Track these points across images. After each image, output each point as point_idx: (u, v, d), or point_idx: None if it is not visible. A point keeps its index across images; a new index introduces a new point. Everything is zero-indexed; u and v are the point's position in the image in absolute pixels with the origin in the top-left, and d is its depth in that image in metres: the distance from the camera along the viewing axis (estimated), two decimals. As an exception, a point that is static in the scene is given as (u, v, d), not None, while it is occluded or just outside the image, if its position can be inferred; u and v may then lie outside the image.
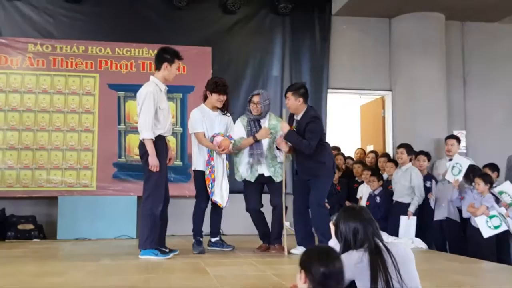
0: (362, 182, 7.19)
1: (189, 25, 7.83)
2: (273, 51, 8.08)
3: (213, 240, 5.50)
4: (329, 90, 8.22)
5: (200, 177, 5.35)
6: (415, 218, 6.27)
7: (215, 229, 5.53)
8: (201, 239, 5.27)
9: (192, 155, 5.58)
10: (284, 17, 8.12)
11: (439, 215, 6.44)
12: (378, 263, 2.46)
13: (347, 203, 7.43)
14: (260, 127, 5.46)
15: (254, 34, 8.08)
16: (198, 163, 5.39)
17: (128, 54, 7.52)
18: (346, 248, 2.55)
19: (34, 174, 7.12)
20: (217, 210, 5.48)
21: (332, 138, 8.26)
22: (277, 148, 5.42)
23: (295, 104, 5.23)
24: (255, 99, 5.43)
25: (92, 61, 7.43)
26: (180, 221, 6.15)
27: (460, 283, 3.68)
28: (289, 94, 5.27)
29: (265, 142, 5.44)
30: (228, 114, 5.58)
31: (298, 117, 5.30)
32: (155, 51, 7.33)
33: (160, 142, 4.82)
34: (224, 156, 5.40)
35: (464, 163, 6.16)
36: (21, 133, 7.16)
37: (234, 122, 5.60)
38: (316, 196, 5.22)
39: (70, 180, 7.19)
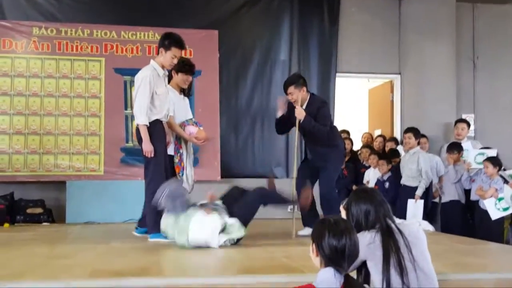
0: (369, 166, 7.17)
1: (195, 8, 7.75)
2: (281, 35, 7.99)
3: None
4: (337, 74, 8.15)
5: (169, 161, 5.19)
6: (422, 201, 6.27)
7: None
8: None
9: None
10: (292, 0, 8.02)
11: (444, 197, 6.46)
12: (390, 243, 2.46)
13: (354, 188, 7.42)
14: None
15: (261, 17, 7.99)
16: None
17: (133, 38, 7.45)
18: (357, 229, 2.52)
19: (41, 159, 7.11)
20: None
21: (340, 122, 8.22)
22: None
23: (301, 95, 5.17)
24: None
25: (98, 45, 7.36)
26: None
27: (469, 264, 3.65)
28: (292, 88, 5.18)
29: None
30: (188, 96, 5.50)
31: (303, 106, 5.23)
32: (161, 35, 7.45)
33: (156, 127, 4.77)
34: (190, 143, 5.31)
35: (490, 153, 6.15)
36: (28, 118, 7.13)
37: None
38: (328, 180, 5.22)
39: (78, 165, 7.17)
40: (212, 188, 4.71)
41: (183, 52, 4.97)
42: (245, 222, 4.44)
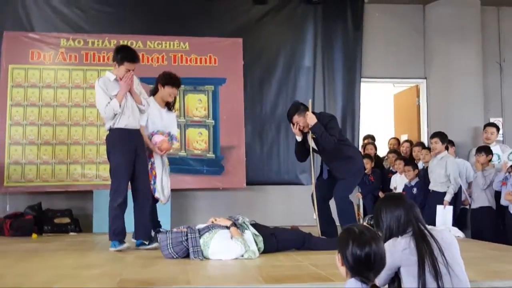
0: (396, 172, 7.08)
1: (220, 17, 7.79)
2: (305, 41, 7.97)
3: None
4: (362, 79, 8.09)
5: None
6: (451, 207, 6.17)
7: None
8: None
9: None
10: (316, 6, 7.99)
11: (474, 203, 6.33)
12: (424, 247, 2.42)
13: (381, 194, 7.33)
14: None
15: (285, 23, 7.98)
16: None
17: (159, 47, 7.51)
18: (389, 236, 2.48)
19: (69, 169, 7.19)
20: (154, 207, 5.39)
21: (365, 128, 8.18)
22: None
23: (306, 121, 5.25)
24: None
25: (124, 55, 7.44)
26: (214, 212, 6.10)
27: (502, 271, 3.57)
28: (296, 117, 5.30)
29: None
30: (174, 110, 5.55)
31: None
32: (186, 44, 7.50)
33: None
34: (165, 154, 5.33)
35: None
36: (55, 128, 7.23)
37: None
38: (343, 190, 5.31)
39: (105, 174, 7.21)
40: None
41: (135, 65, 4.91)
42: (270, 247, 4.45)
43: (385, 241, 2.45)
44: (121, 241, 4.75)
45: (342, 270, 2.12)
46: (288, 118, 5.39)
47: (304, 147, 5.52)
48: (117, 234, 4.74)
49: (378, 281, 2.31)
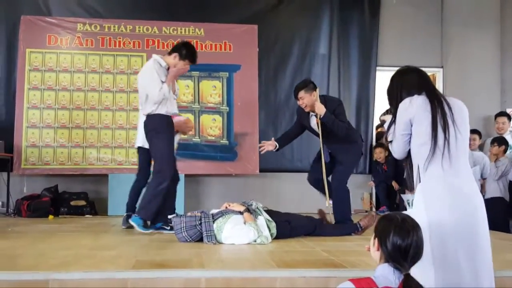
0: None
1: (235, 3, 7.82)
2: (321, 28, 7.95)
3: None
4: (377, 68, 8.06)
5: (143, 153, 5.29)
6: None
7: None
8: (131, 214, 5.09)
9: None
10: (332, -7, 7.96)
11: (486, 194, 6.31)
12: (436, 104, 2.53)
13: (394, 183, 7.33)
14: None
15: (301, 10, 7.97)
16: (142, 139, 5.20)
17: (174, 33, 7.54)
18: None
19: (85, 152, 7.28)
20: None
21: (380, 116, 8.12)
22: None
23: (312, 100, 5.16)
24: None
25: (140, 40, 7.49)
26: (227, 198, 6.15)
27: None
28: (302, 92, 5.17)
29: None
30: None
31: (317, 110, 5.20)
32: (202, 30, 7.51)
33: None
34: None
35: None
36: (72, 112, 7.31)
37: None
38: (342, 174, 5.27)
39: (120, 158, 7.32)
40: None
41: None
42: (283, 232, 4.47)
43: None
44: (150, 225, 4.82)
45: (376, 254, 2.14)
46: (295, 92, 5.29)
47: (300, 129, 5.51)
48: (149, 216, 4.79)
49: (396, 149, 2.60)
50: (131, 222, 4.82)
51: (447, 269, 2.39)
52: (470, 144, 6.35)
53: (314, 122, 5.30)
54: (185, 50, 4.91)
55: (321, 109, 5.11)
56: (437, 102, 2.53)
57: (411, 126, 2.56)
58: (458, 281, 2.37)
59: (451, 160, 2.47)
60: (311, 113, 5.29)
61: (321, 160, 5.38)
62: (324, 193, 5.36)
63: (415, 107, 2.53)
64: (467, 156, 2.57)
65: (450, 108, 2.54)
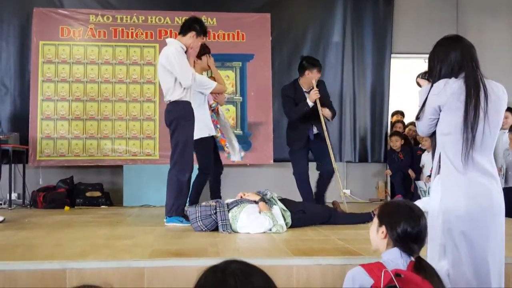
0: (426, 149, 6.99)
1: (247, -9, 7.74)
2: (334, 16, 7.86)
3: None
4: (392, 55, 7.95)
5: (201, 144, 5.10)
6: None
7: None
8: None
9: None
10: (346, -21, 7.87)
11: (507, 183, 6.22)
12: (473, 92, 2.39)
13: (410, 172, 7.27)
14: None
15: (314, -2, 7.88)
16: (201, 130, 5.07)
17: (187, 23, 7.49)
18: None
19: (99, 144, 7.30)
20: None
21: (395, 104, 8.06)
22: None
23: (313, 77, 5.49)
24: None
25: (152, 31, 7.47)
26: (241, 188, 6.13)
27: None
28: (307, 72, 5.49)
29: None
30: None
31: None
32: (214, 19, 7.47)
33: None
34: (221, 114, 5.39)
35: None
36: (86, 104, 7.33)
37: None
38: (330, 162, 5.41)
39: (134, 150, 7.33)
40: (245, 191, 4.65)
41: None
42: (298, 222, 4.46)
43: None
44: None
45: (383, 242, 2.16)
46: (320, 66, 5.58)
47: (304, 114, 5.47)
48: (181, 210, 4.63)
49: (421, 127, 2.52)
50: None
51: (456, 254, 2.38)
52: (502, 123, 6.27)
53: (311, 100, 5.35)
54: (199, 26, 4.76)
55: (325, 111, 5.43)
56: (473, 89, 2.39)
57: (440, 111, 2.46)
58: (467, 268, 2.36)
59: (474, 156, 2.38)
60: (305, 90, 5.49)
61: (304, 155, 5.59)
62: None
63: (448, 94, 2.40)
64: (492, 152, 2.48)
65: (486, 97, 2.41)
